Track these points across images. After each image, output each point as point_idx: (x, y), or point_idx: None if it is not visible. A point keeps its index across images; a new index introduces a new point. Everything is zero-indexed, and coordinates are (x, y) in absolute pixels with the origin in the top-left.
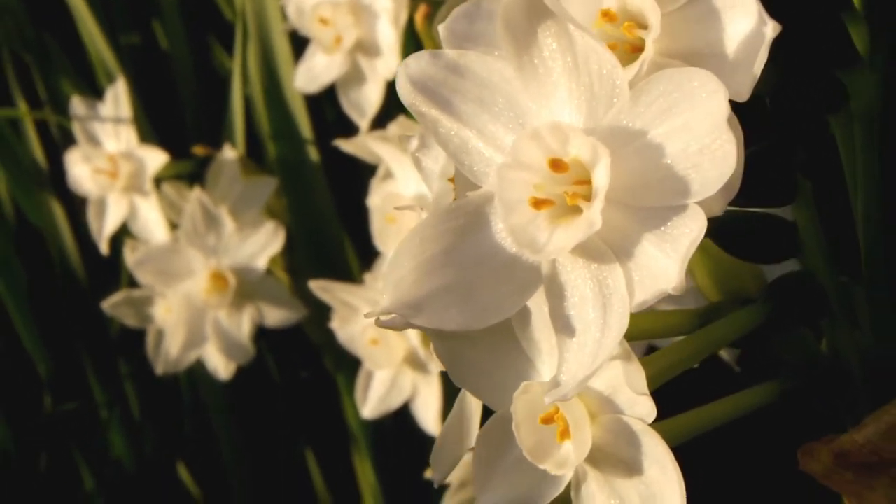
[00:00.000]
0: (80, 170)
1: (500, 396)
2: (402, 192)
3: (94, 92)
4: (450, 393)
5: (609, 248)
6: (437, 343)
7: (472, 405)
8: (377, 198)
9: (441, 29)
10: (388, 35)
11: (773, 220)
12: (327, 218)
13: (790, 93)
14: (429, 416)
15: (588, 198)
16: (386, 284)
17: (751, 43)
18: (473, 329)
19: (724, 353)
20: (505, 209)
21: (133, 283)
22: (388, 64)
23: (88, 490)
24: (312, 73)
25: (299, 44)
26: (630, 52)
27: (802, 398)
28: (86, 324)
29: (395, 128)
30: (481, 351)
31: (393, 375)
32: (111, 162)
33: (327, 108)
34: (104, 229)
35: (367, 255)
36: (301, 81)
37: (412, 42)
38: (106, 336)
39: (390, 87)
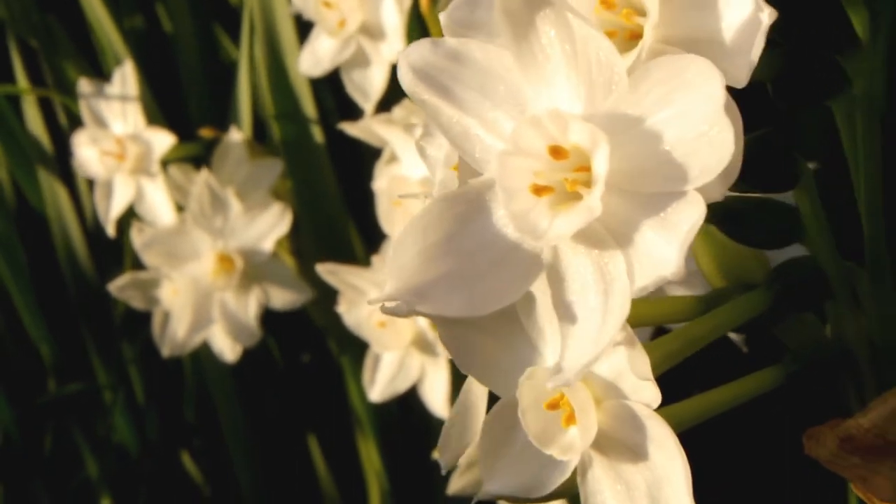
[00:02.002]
0: (87, 152)
1: (505, 382)
2: (408, 175)
3: (100, 76)
4: (458, 376)
5: (610, 235)
6: (442, 330)
7: (478, 392)
8: (382, 181)
9: (442, 17)
10: (393, 18)
11: (777, 205)
12: (333, 201)
13: (791, 78)
14: (437, 398)
15: (588, 184)
16: (389, 271)
17: (748, 29)
18: (477, 315)
19: (733, 335)
20: (506, 196)
21: (136, 266)
22: (392, 47)
23: (91, 474)
24: (317, 56)
25: (305, 28)
26: (628, 39)
27: (807, 383)
28: (89, 306)
29: (399, 111)
30: (487, 337)
31: (401, 358)
32: (118, 144)
33: (332, 91)
34: (111, 211)
35: (372, 239)
36: (305, 65)
37: (417, 25)
38: (109, 319)
39: (395, 71)
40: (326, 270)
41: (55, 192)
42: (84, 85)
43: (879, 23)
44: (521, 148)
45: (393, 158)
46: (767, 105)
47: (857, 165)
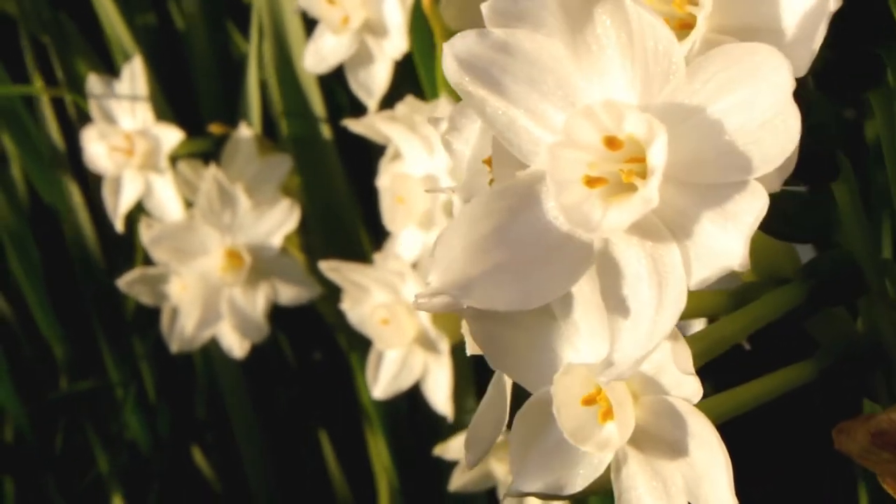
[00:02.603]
0: (97, 147)
1: (537, 378)
2: (411, 173)
3: (111, 72)
4: (461, 374)
5: (664, 226)
6: (473, 325)
7: (507, 388)
8: (386, 178)
9: (483, 7)
10: (396, 15)
11: (812, 198)
12: (341, 197)
13: (833, 70)
14: (439, 396)
15: (643, 175)
16: (436, 266)
17: (810, 17)
18: (524, 309)
19: None
20: (557, 188)
21: (148, 262)
22: (395, 44)
23: (103, 471)
24: (321, 53)
25: (312, 25)
26: (679, 28)
27: (838, 377)
28: (101, 303)
29: (403, 108)
30: (519, 332)
31: (404, 355)
32: (127, 140)
33: (345, 88)
34: (119, 207)
35: (381, 235)
36: (310, 62)
37: (420, 23)
38: (121, 315)
39: (398, 67)
40: (329, 268)
41: (68, 190)
42: (93, 81)
43: None
44: (574, 139)
45: (397, 155)
46: (808, 97)
47: (893, 157)
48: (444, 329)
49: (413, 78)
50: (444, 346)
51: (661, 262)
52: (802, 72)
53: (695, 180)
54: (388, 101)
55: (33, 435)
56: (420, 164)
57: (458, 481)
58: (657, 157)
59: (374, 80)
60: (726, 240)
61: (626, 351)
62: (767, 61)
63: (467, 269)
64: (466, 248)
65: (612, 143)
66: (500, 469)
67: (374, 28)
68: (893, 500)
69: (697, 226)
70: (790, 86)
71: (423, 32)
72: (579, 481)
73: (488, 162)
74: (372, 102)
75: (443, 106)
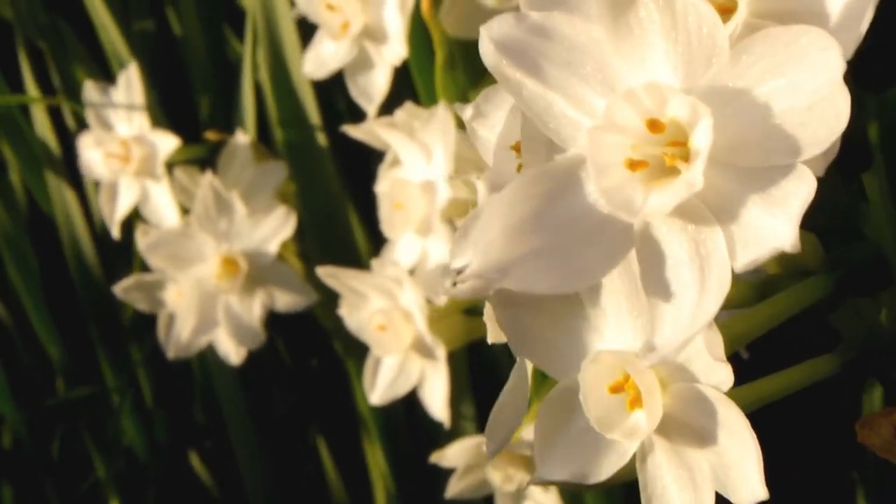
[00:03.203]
0: (93, 154)
1: (563, 365)
2: (410, 178)
3: (108, 79)
4: (457, 380)
5: (707, 209)
6: (500, 311)
7: (529, 375)
8: (385, 184)
9: None
10: (396, 21)
11: (841, 189)
12: (337, 204)
13: (868, 61)
14: (436, 402)
15: (685, 159)
16: (474, 249)
17: (857, 1)
18: (564, 292)
19: None
20: (597, 171)
21: (145, 268)
22: (395, 50)
23: (100, 476)
24: (320, 59)
25: (308, 31)
26: (720, 12)
27: (862, 369)
28: (98, 309)
29: (401, 114)
30: (545, 319)
31: (401, 362)
32: (123, 146)
33: (337, 94)
34: (116, 213)
35: (378, 241)
36: (309, 67)
37: (419, 29)
38: (118, 322)
39: (398, 73)
40: (327, 274)
41: (63, 196)
42: (90, 88)
43: None
44: (616, 122)
45: (396, 161)
46: None
47: None
48: (440, 335)
49: (409, 85)
50: (441, 352)
51: (704, 246)
52: (848, 56)
53: (739, 163)
54: (385, 108)
55: (31, 441)
56: (418, 171)
57: (455, 488)
58: (702, 140)
59: (374, 86)
60: (775, 224)
61: (669, 335)
62: (816, 43)
63: (506, 252)
64: (502, 231)
65: (654, 125)
66: (496, 476)
67: (373, 34)
68: None
69: (743, 209)
70: (840, 68)
71: (420, 40)
72: (605, 470)
73: (516, 148)
74: (371, 108)
75: (441, 112)
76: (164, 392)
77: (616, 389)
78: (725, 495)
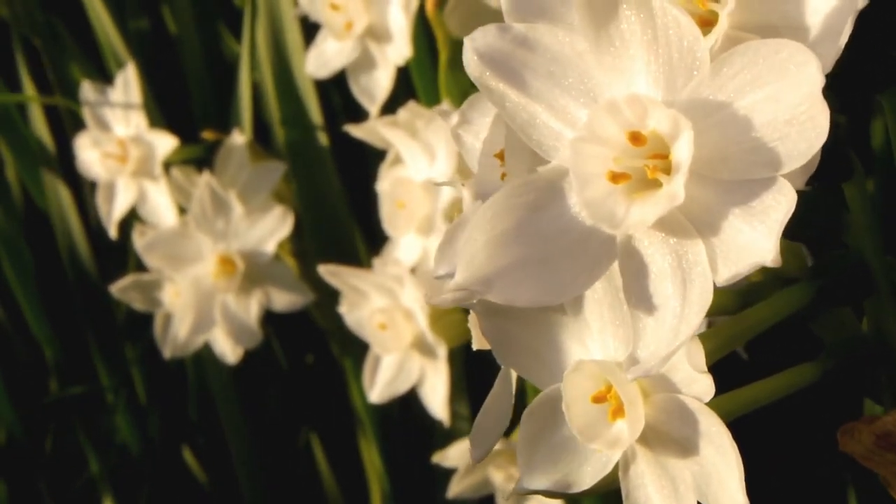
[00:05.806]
0: (90, 154)
1: (547, 375)
2: (412, 178)
3: (104, 77)
4: (457, 378)
5: (689, 222)
6: (484, 321)
7: (513, 383)
8: (386, 183)
9: (504, 2)
10: (399, 21)
11: (824, 198)
12: (336, 203)
13: (850, 71)
14: (436, 401)
15: (667, 171)
16: (459, 261)
17: (836, 14)
18: (546, 305)
19: None
20: (580, 183)
21: (140, 268)
22: (398, 50)
23: (94, 473)
24: (323, 58)
25: (310, 29)
26: (700, 25)
27: (843, 378)
28: (92, 308)
29: (404, 113)
30: (529, 329)
31: (401, 360)
32: (121, 146)
33: (337, 93)
34: (113, 213)
35: (375, 240)
36: (312, 67)
37: (423, 28)
38: (112, 320)
39: (400, 73)
40: (328, 272)
41: (59, 194)
42: (87, 88)
43: None
44: (597, 134)
45: (397, 160)
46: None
47: None
48: (441, 334)
49: (409, 85)
50: (442, 351)
51: (686, 259)
52: (827, 69)
53: (720, 176)
54: (390, 107)
55: (25, 438)
56: (421, 170)
57: (456, 488)
58: (682, 152)
59: (377, 86)
60: (756, 237)
61: (651, 348)
62: (794, 57)
63: (489, 264)
64: (488, 243)
65: (636, 138)
66: (497, 476)
67: (377, 33)
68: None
69: (724, 222)
70: (819, 82)
71: (420, 41)
72: (587, 479)
73: (500, 156)
74: (374, 108)
75: (445, 111)
76: (158, 390)
77: (598, 399)
78: None
